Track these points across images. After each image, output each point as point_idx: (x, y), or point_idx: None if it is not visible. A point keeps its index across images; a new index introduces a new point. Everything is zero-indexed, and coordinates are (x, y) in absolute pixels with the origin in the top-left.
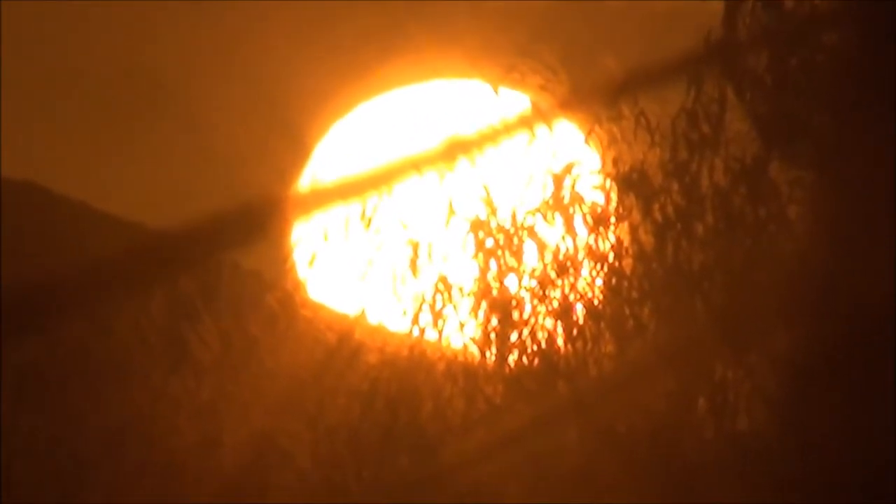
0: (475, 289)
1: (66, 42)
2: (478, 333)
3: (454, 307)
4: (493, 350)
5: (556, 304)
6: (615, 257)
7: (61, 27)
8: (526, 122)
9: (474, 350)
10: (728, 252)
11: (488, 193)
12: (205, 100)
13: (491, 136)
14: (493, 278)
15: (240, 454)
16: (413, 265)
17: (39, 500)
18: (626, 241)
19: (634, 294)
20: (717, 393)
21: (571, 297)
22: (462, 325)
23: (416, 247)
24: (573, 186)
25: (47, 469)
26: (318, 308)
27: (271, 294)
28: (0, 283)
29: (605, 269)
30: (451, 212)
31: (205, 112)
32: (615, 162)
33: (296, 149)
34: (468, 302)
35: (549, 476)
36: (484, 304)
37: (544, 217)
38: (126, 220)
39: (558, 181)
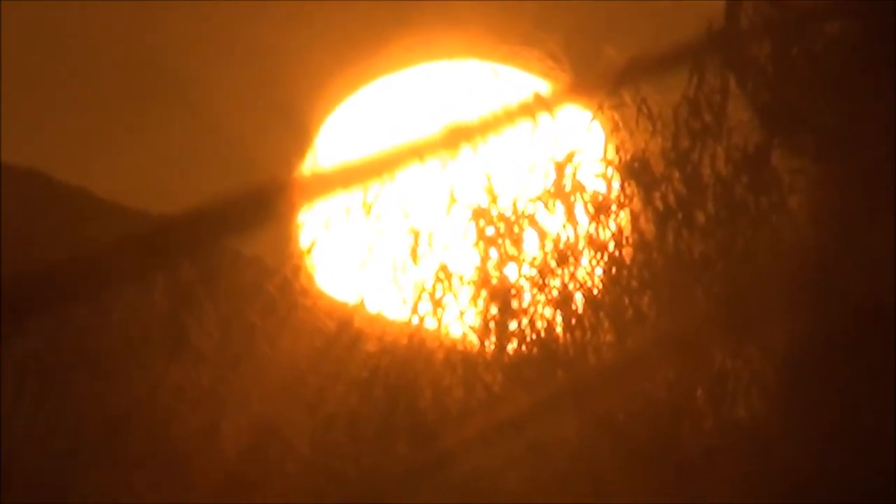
0: (475, 277)
1: (65, 29)
2: (477, 322)
3: (454, 296)
4: (493, 339)
5: (555, 293)
6: (615, 246)
7: (61, 15)
8: (528, 110)
9: (473, 339)
10: (729, 241)
11: (490, 181)
12: (205, 85)
13: (493, 124)
14: (494, 267)
15: (240, 441)
16: (413, 253)
17: (39, 489)
18: (627, 230)
19: (634, 283)
20: (716, 383)
21: (571, 287)
22: (462, 314)
23: (416, 235)
24: (574, 175)
25: (47, 458)
26: (317, 296)
27: (271, 281)
28: None
29: (606, 258)
30: (453, 200)
31: (205, 97)
32: (617, 150)
33: (297, 134)
34: (468, 290)
35: (548, 464)
36: (484, 293)
37: (545, 205)
38: (126, 207)
39: (560, 169)
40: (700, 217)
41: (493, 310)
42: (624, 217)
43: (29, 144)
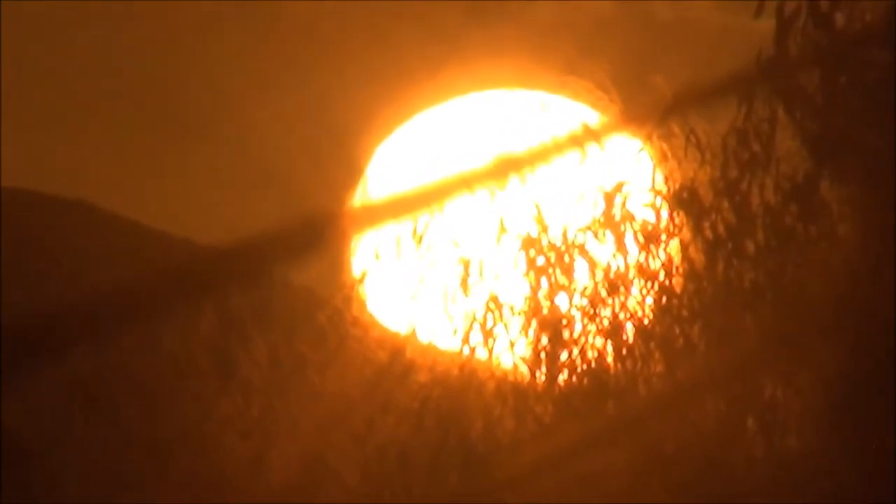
0: (525, 307)
1: (118, 63)
2: (528, 352)
3: (504, 326)
4: (543, 369)
5: (606, 323)
6: (665, 276)
7: (113, 49)
8: (577, 140)
9: (524, 369)
10: (779, 270)
11: (539, 211)
12: (256, 116)
13: (542, 153)
14: (544, 297)
15: (288, 472)
16: (464, 283)
17: None
18: (677, 260)
19: (685, 313)
20: (766, 412)
21: (621, 316)
22: (512, 345)
23: (467, 265)
24: (624, 204)
25: (96, 484)
26: (368, 326)
27: (321, 312)
28: (34, 300)
29: (656, 287)
30: (503, 229)
31: (256, 128)
32: (666, 180)
33: (347, 163)
34: (518, 321)
35: (599, 495)
36: (534, 323)
37: (595, 235)
38: (177, 237)
39: (609, 199)
40: (750, 246)
41: (544, 340)
42: (674, 246)
43: (80, 176)
